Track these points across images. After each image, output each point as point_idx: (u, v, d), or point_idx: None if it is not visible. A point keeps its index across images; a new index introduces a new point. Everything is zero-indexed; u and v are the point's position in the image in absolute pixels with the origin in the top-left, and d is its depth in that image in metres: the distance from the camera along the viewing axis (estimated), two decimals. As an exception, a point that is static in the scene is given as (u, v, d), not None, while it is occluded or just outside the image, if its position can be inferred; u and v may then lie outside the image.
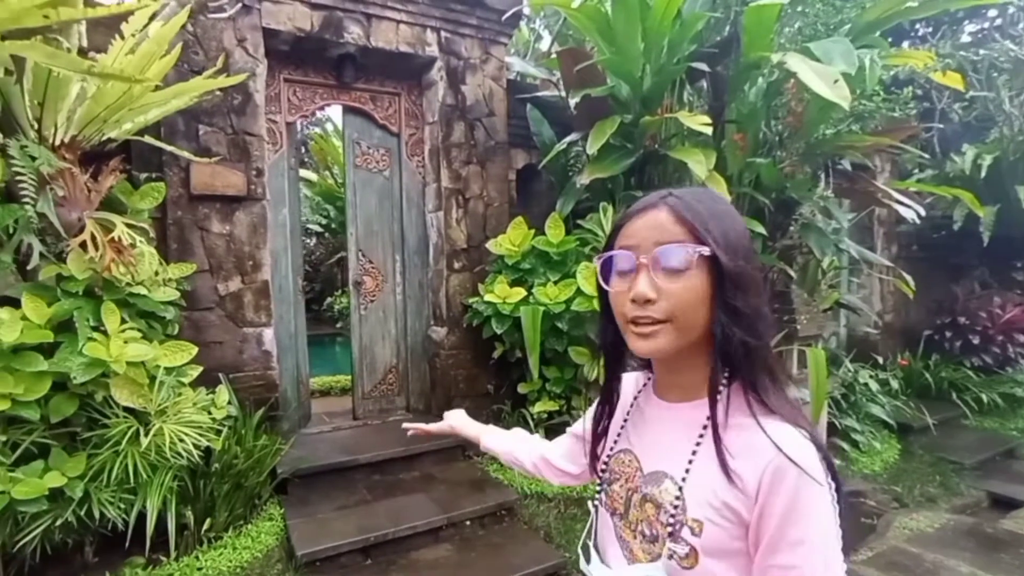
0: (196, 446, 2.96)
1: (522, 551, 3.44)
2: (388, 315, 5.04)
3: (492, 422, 4.66)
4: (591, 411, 1.07)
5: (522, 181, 5.34)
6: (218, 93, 3.73)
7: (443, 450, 4.43)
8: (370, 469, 4.14)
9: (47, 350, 2.66)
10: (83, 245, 2.75)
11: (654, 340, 0.84)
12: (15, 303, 2.66)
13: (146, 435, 2.74)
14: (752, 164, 4.21)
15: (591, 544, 1.02)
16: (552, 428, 4.33)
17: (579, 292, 4.02)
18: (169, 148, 3.40)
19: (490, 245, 4.56)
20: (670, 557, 0.82)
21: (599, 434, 1.04)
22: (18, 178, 2.54)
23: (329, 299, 11.15)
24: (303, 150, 14.26)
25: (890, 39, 8.01)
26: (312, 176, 12.04)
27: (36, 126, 2.86)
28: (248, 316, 3.99)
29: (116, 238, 2.85)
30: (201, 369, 3.44)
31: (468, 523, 3.68)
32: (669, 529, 0.82)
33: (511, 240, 4.44)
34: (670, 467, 0.86)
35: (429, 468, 4.30)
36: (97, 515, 2.76)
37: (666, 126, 4.30)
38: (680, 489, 0.83)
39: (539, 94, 5.22)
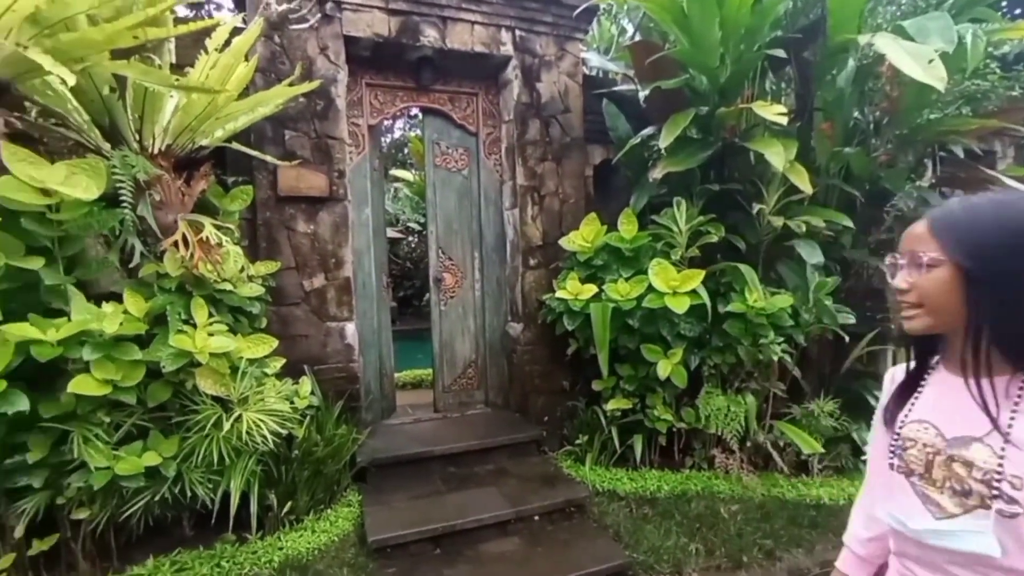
0: (276, 433, 3.15)
1: (588, 548, 3.41)
2: (467, 311, 5.14)
3: (566, 419, 4.66)
4: (890, 390, 1.23)
5: (601, 177, 5.26)
6: (302, 100, 3.96)
7: (518, 444, 4.48)
8: (446, 461, 4.24)
9: (145, 341, 2.92)
10: (175, 245, 3.00)
11: (911, 322, 1.08)
12: (120, 299, 2.94)
13: (227, 421, 2.95)
14: (839, 154, 3.94)
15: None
16: (625, 427, 4.26)
17: (651, 289, 3.90)
18: (253, 153, 3.64)
19: (563, 242, 4.53)
20: (995, 505, 0.97)
21: (900, 405, 1.19)
22: (119, 185, 2.81)
23: (428, 294, 11.43)
24: (405, 151, 14.78)
25: (1019, 11, 7.29)
26: (409, 176, 12.43)
27: (138, 137, 3.15)
28: (331, 311, 4.20)
29: (204, 238, 3.09)
30: (285, 360, 3.65)
31: (536, 518, 3.69)
32: (986, 485, 0.98)
33: (584, 236, 4.38)
34: (977, 431, 1.01)
35: (503, 462, 4.34)
36: (189, 493, 3.01)
37: (746, 117, 4.10)
38: (1001, 450, 0.98)
39: (616, 88, 5.12)
